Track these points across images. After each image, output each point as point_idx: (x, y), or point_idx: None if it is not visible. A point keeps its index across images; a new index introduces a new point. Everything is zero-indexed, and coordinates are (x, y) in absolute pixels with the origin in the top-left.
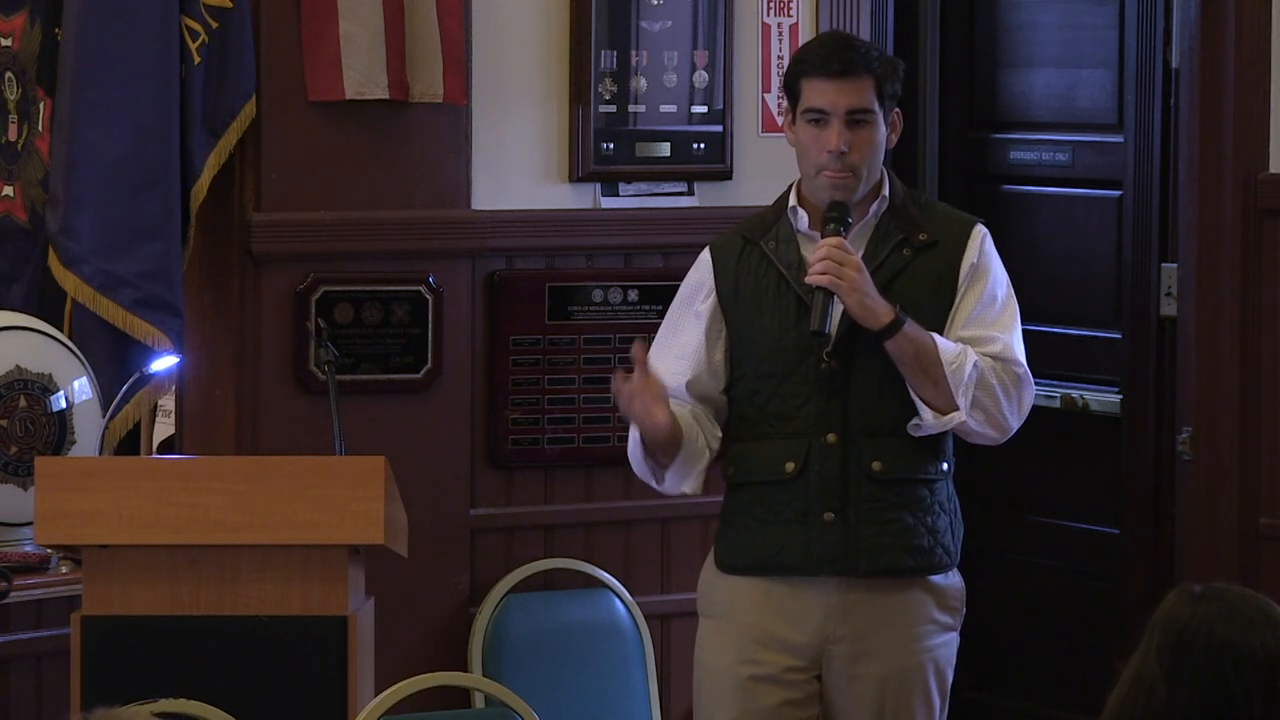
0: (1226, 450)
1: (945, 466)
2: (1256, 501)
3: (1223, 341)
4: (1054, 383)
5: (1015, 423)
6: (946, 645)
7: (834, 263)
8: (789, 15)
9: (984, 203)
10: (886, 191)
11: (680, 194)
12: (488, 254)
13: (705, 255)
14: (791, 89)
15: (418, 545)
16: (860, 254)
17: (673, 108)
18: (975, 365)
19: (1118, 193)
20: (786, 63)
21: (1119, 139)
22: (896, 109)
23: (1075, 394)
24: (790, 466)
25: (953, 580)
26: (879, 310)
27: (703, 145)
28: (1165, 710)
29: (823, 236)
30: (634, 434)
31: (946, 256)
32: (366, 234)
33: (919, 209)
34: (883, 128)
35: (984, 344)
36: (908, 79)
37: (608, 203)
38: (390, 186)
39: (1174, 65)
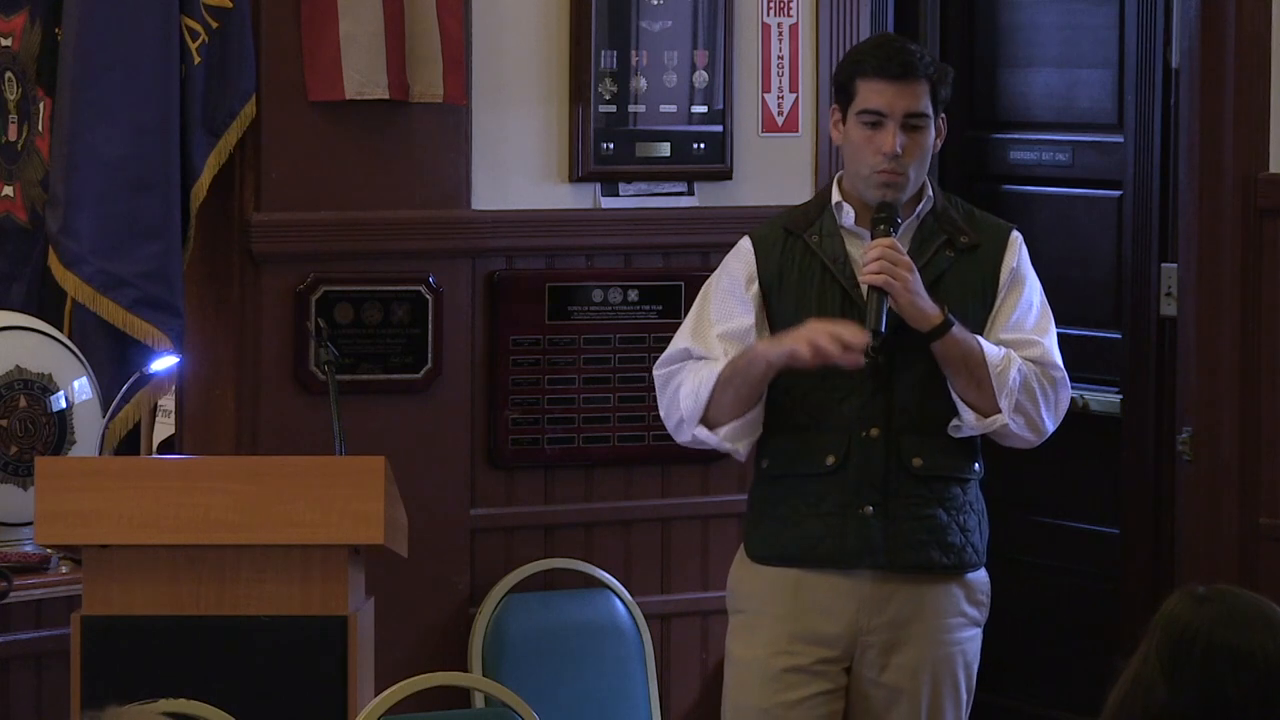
0: (1226, 450)
1: (977, 467)
2: (1256, 501)
3: (1223, 341)
4: None
5: (1052, 426)
6: (974, 640)
7: (888, 263)
8: (789, 15)
9: (984, 203)
10: (930, 193)
11: (680, 194)
12: (488, 254)
13: (746, 244)
14: (845, 88)
15: (418, 545)
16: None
17: (673, 108)
18: (1019, 370)
19: (1118, 193)
20: (787, 63)
21: (1119, 139)
22: (943, 114)
23: (1075, 394)
24: (831, 460)
25: (981, 575)
26: (929, 312)
27: (703, 145)
28: (1164, 710)
29: (873, 237)
30: (707, 375)
31: (987, 260)
32: (366, 234)
33: (959, 212)
34: (933, 132)
35: (1024, 348)
36: None
37: (608, 203)
38: (390, 186)
39: (1174, 65)
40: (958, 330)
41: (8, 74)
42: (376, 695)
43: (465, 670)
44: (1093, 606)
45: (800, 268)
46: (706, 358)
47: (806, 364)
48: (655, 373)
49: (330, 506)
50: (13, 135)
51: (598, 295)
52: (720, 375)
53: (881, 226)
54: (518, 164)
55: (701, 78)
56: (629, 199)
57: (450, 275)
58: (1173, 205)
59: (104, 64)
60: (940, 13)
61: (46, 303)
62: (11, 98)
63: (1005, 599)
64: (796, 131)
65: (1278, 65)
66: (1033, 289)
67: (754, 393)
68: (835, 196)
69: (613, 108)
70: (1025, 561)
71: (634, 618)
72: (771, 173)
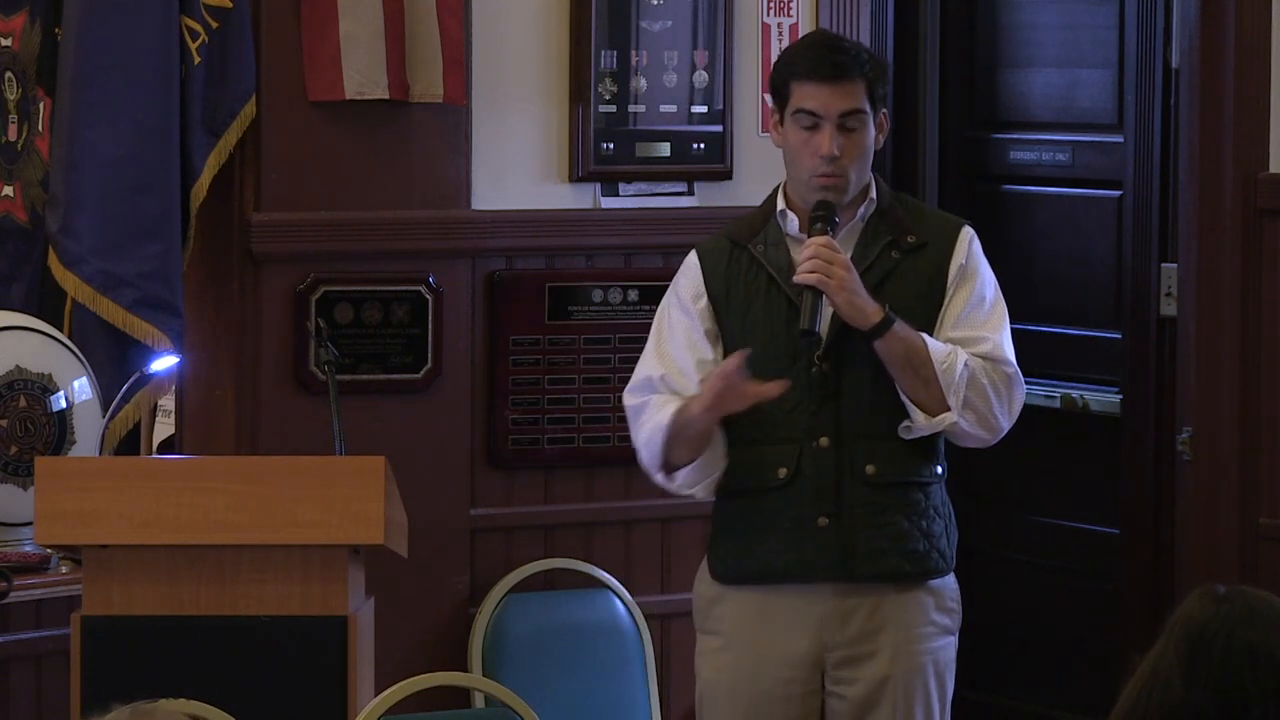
0: (1226, 450)
1: (939, 470)
2: (1257, 501)
3: (1223, 341)
4: (1054, 383)
5: (1006, 423)
6: (946, 648)
7: (822, 261)
8: (789, 15)
9: (984, 203)
10: (874, 194)
11: (680, 194)
12: (488, 254)
13: (693, 260)
14: (780, 91)
15: (418, 545)
16: (849, 256)
17: (673, 108)
18: (966, 365)
19: (1118, 193)
20: None
21: (1119, 139)
22: (884, 110)
23: (1075, 394)
24: (782, 472)
25: (950, 582)
26: (868, 309)
27: (703, 145)
28: (1180, 707)
29: (809, 236)
30: (661, 421)
31: (935, 258)
32: (366, 234)
33: (906, 211)
34: (872, 130)
35: (974, 344)
36: (908, 79)
37: (608, 203)
38: (390, 186)
39: (1174, 65)
40: (899, 327)
41: (8, 74)
42: (376, 695)
43: (465, 670)
44: (1093, 606)
45: (746, 279)
46: (670, 389)
47: (731, 410)
48: (626, 402)
49: (330, 506)
50: (13, 135)
51: (598, 295)
52: (668, 427)
53: (818, 225)
54: (518, 164)
55: (701, 78)
56: (629, 199)
57: (450, 275)
58: (1173, 205)
59: (104, 64)
60: (940, 13)
61: (46, 303)
62: (11, 98)
63: (1004, 599)
64: None
65: (1278, 65)
66: (985, 284)
67: (700, 443)
68: (780, 204)
69: (613, 108)
70: (1025, 561)
71: (634, 618)
72: (771, 173)
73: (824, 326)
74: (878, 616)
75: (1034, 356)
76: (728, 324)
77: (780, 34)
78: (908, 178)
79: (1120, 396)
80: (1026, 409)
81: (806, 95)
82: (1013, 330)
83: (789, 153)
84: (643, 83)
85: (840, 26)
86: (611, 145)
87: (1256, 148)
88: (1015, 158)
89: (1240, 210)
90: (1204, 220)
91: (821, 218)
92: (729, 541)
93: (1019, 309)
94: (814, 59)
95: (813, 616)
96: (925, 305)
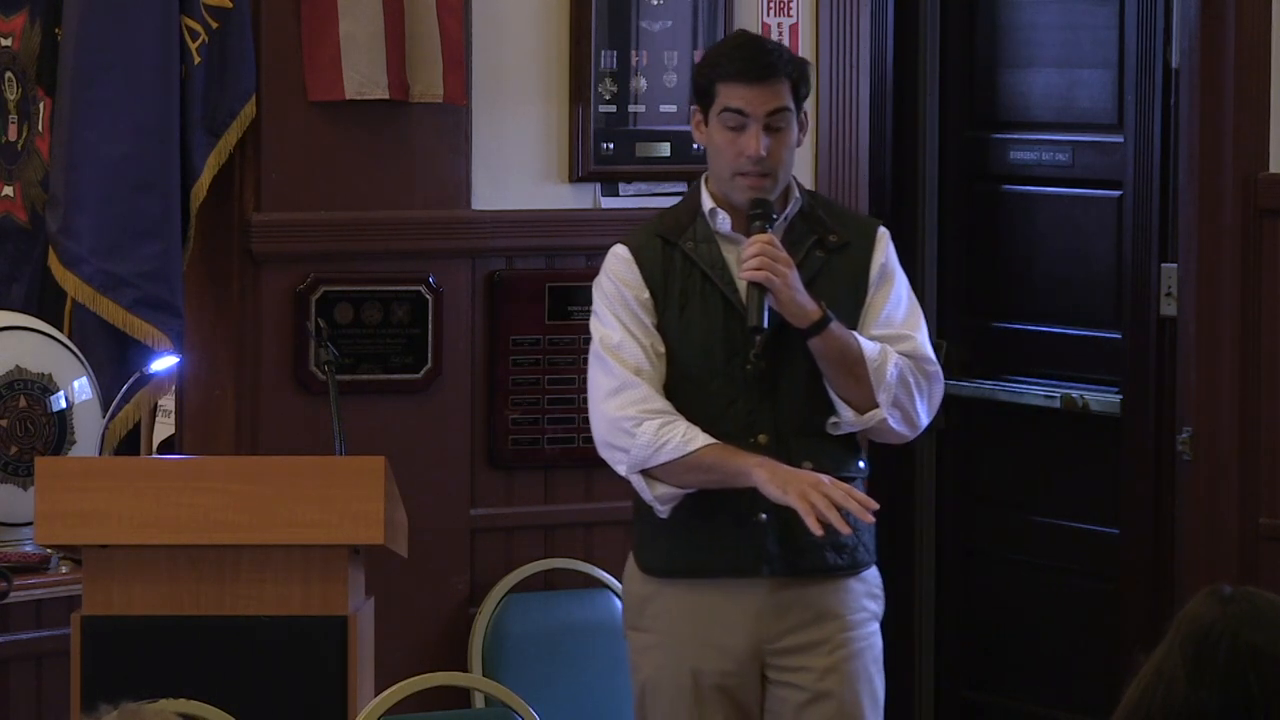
0: (1226, 450)
1: (862, 465)
2: (1256, 501)
3: (1223, 341)
4: (1054, 383)
5: (927, 419)
6: (877, 634)
7: (768, 259)
8: (789, 15)
9: (984, 203)
10: (797, 194)
11: (680, 194)
12: (488, 254)
13: (624, 254)
14: (706, 91)
15: (418, 545)
16: None
17: (673, 108)
18: (896, 364)
19: (1118, 193)
20: None
21: (1119, 139)
22: (805, 110)
23: (1075, 394)
24: None
25: (875, 572)
26: (808, 308)
27: (702, 145)
28: (1184, 705)
29: (749, 233)
30: (689, 447)
31: (857, 258)
32: (366, 234)
33: (824, 210)
34: (795, 128)
35: (897, 343)
36: (908, 79)
37: (608, 203)
38: (390, 186)
39: (1174, 65)
40: (835, 326)
41: (8, 74)
42: (376, 695)
43: (465, 670)
44: (1093, 606)
45: (681, 276)
46: (642, 374)
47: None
48: (594, 369)
49: (330, 506)
50: (13, 135)
51: None
52: (702, 456)
53: (758, 223)
54: (518, 164)
55: None
56: (629, 199)
57: (450, 275)
58: (1173, 205)
59: (104, 64)
60: (940, 13)
61: (46, 303)
62: (11, 98)
63: (1004, 599)
64: None
65: (1278, 65)
66: (901, 284)
67: (718, 487)
68: (707, 202)
69: (613, 108)
70: (1025, 561)
71: None
72: None
73: (767, 322)
74: (816, 607)
75: (1034, 356)
76: (665, 320)
77: (780, 34)
78: (908, 178)
79: (1120, 396)
80: (1027, 409)
81: (734, 95)
82: (1013, 330)
83: (713, 151)
84: (643, 83)
85: (840, 27)
86: (611, 145)
87: (1256, 148)
88: (1015, 158)
89: (1240, 210)
90: (1204, 220)
91: (760, 215)
92: (663, 535)
93: (1019, 309)
94: (742, 60)
95: (750, 611)
96: (849, 304)
